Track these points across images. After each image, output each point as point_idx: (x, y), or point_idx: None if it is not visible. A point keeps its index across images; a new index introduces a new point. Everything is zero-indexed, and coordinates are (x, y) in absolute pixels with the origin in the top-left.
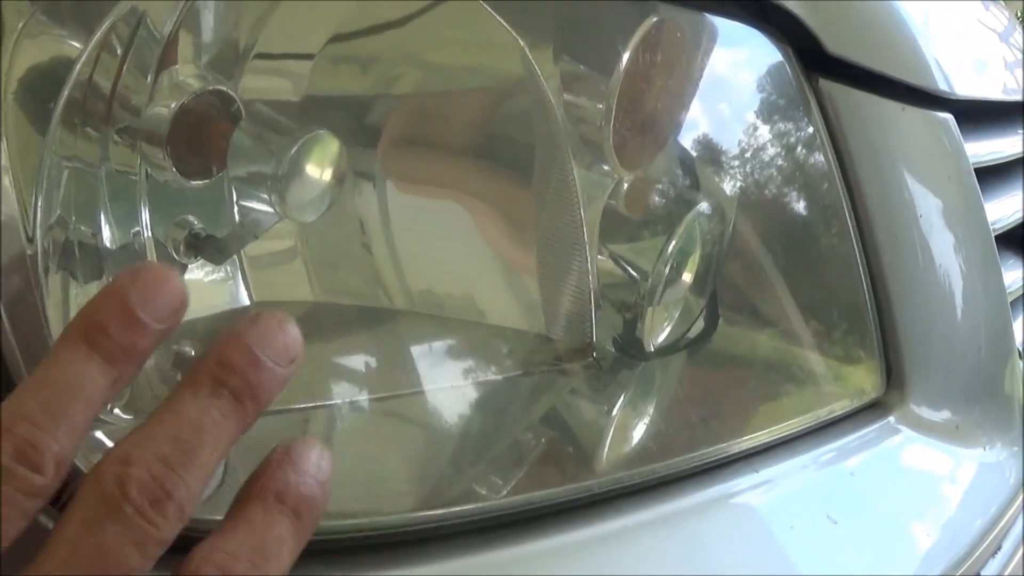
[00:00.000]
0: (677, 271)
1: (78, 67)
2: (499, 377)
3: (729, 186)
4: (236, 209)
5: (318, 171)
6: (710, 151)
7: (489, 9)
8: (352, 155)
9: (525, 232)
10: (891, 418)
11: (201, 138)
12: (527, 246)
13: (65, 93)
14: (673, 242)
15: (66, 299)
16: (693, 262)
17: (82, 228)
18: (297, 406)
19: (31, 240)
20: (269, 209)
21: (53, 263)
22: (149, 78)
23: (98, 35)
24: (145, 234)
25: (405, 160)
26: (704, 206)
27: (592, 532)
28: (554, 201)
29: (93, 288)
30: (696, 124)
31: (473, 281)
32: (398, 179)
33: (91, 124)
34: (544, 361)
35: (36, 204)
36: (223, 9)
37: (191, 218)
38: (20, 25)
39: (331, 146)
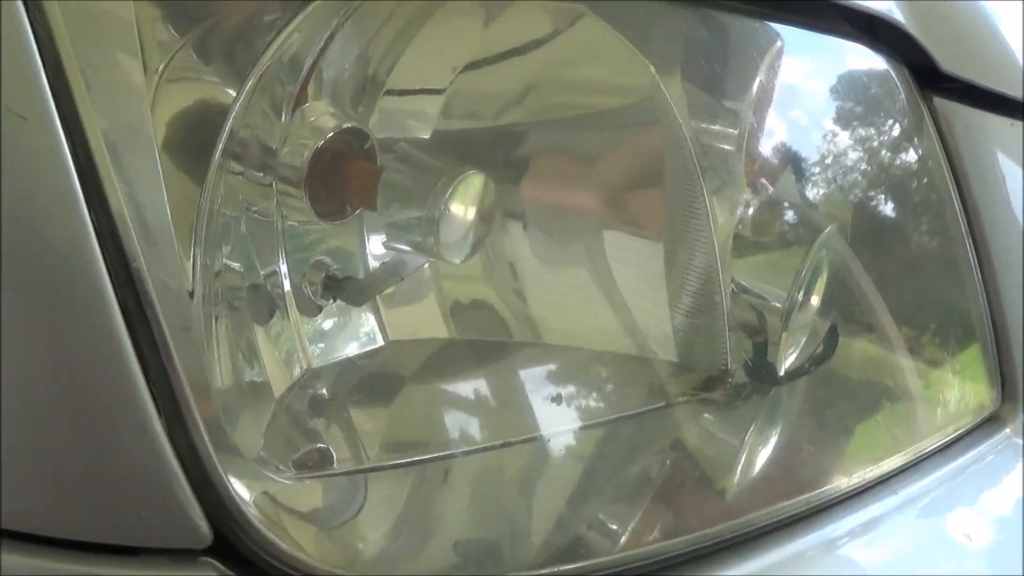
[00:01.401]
0: (807, 294)
1: (233, 113)
2: (638, 411)
3: (847, 206)
4: (382, 250)
5: (470, 212)
6: (829, 171)
7: (617, 33)
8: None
9: (657, 260)
10: (1007, 430)
11: (337, 177)
12: (660, 274)
13: (221, 144)
14: (806, 266)
15: (235, 338)
16: (821, 284)
17: (233, 270)
18: (434, 455)
19: (192, 294)
20: (418, 251)
21: (217, 307)
22: (283, 117)
23: (252, 81)
24: (283, 276)
25: (537, 192)
26: (832, 229)
27: (754, 566)
28: (686, 228)
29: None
30: (815, 145)
31: (607, 311)
32: (530, 212)
33: (234, 167)
34: (682, 391)
35: (194, 254)
36: (352, 47)
37: (327, 259)
38: (161, 67)
39: (482, 186)
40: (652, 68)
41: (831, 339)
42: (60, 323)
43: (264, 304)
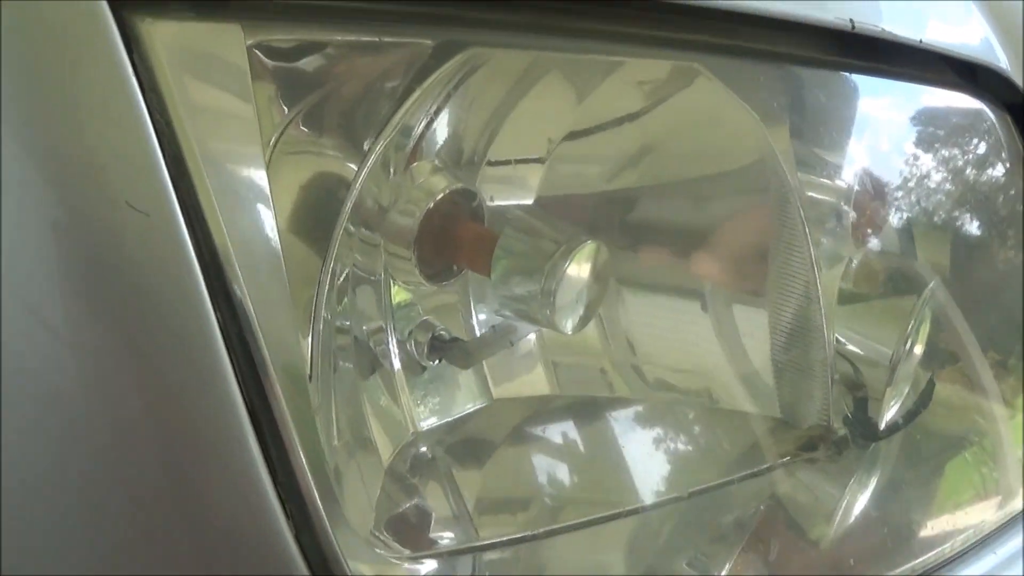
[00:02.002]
0: (911, 345)
1: (357, 188)
2: (742, 474)
3: (947, 254)
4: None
5: (585, 282)
6: (932, 220)
7: (730, 92)
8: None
9: (762, 317)
10: None
11: (446, 239)
12: (764, 331)
13: (345, 219)
14: (913, 320)
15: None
16: (924, 334)
17: (343, 330)
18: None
19: (311, 377)
20: (530, 322)
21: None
22: (392, 175)
23: (375, 154)
24: (389, 336)
25: (644, 253)
26: (937, 282)
27: None
28: (791, 284)
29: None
30: (918, 195)
31: (708, 367)
32: (638, 273)
33: (348, 229)
34: (784, 451)
35: (313, 334)
36: (459, 114)
37: (434, 320)
38: (274, 139)
39: (598, 255)
40: (763, 126)
41: (928, 390)
42: (185, 417)
43: (368, 362)
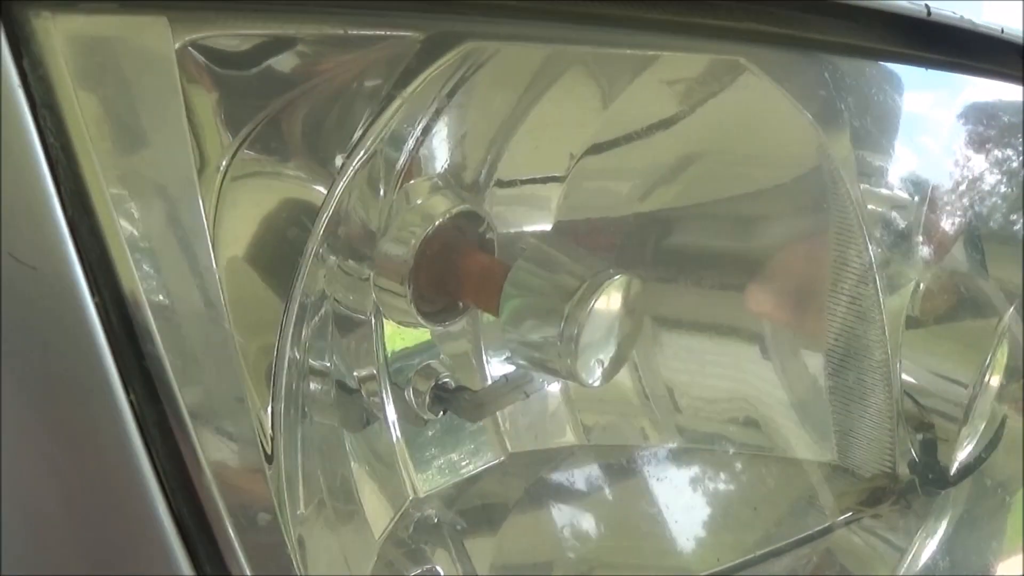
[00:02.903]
0: (988, 378)
1: (328, 213)
2: (798, 537)
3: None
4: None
5: (614, 326)
6: (1009, 240)
7: (782, 89)
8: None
9: (815, 350)
10: None
11: (448, 272)
12: (820, 368)
13: (311, 252)
14: (992, 349)
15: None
16: (1001, 364)
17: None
18: None
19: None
20: (548, 373)
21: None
22: (383, 192)
23: (347, 177)
24: (382, 383)
25: (685, 287)
26: (1016, 307)
27: None
28: (851, 309)
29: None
30: (998, 210)
31: (756, 410)
32: (678, 311)
33: (326, 256)
34: (845, 506)
35: (273, 411)
36: (455, 130)
37: (437, 365)
38: (225, 162)
39: (629, 291)
40: (821, 130)
41: (1001, 425)
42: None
43: (358, 413)
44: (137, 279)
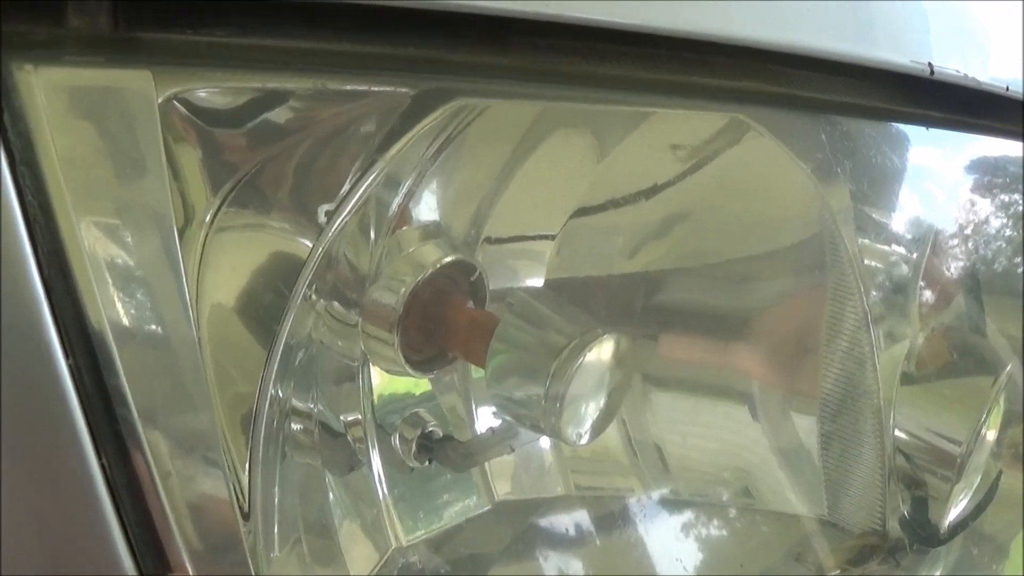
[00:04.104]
0: (983, 433)
1: (313, 266)
2: None
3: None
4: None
5: (601, 386)
6: (1007, 293)
7: (785, 148)
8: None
9: (807, 404)
10: None
11: (436, 321)
12: (812, 422)
13: (295, 303)
14: (988, 406)
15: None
16: (997, 419)
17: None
18: None
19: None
20: (533, 430)
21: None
22: (373, 237)
23: (334, 231)
24: (368, 429)
25: (679, 351)
26: (1015, 363)
27: None
28: (845, 364)
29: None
30: (997, 263)
31: (751, 469)
32: (668, 370)
33: (313, 300)
34: (834, 564)
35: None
36: (446, 184)
37: (424, 414)
38: (208, 217)
39: (617, 351)
40: (823, 189)
41: (996, 480)
42: None
43: (344, 458)
44: (113, 343)
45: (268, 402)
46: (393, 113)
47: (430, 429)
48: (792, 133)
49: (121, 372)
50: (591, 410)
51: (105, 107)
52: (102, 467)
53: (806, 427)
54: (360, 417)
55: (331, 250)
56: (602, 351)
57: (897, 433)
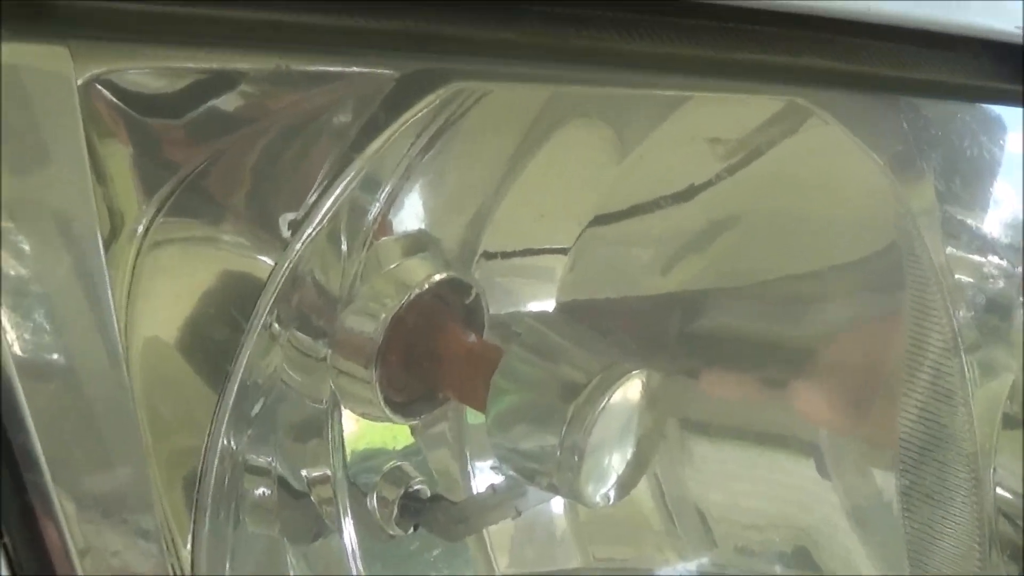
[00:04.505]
0: None
1: (275, 289)
2: None
3: None
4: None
5: (629, 431)
6: None
7: (856, 139)
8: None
9: (886, 456)
10: None
11: (423, 353)
12: (888, 474)
13: (254, 334)
14: None
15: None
16: None
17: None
18: None
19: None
20: (545, 489)
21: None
22: (345, 249)
23: (299, 246)
24: (338, 488)
25: (718, 383)
26: None
27: None
28: (928, 404)
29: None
30: None
31: (809, 537)
32: (710, 414)
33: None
34: None
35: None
36: (431, 194)
37: (408, 467)
38: (140, 228)
39: (646, 392)
40: (901, 187)
41: None
42: None
43: (309, 523)
44: (20, 389)
45: (218, 457)
46: (373, 100)
47: (416, 487)
48: (864, 119)
49: (31, 426)
50: (616, 463)
51: (10, 91)
52: (3, 548)
53: (885, 484)
54: (329, 473)
55: (296, 267)
56: (629, 391)
57: (999, 491)
